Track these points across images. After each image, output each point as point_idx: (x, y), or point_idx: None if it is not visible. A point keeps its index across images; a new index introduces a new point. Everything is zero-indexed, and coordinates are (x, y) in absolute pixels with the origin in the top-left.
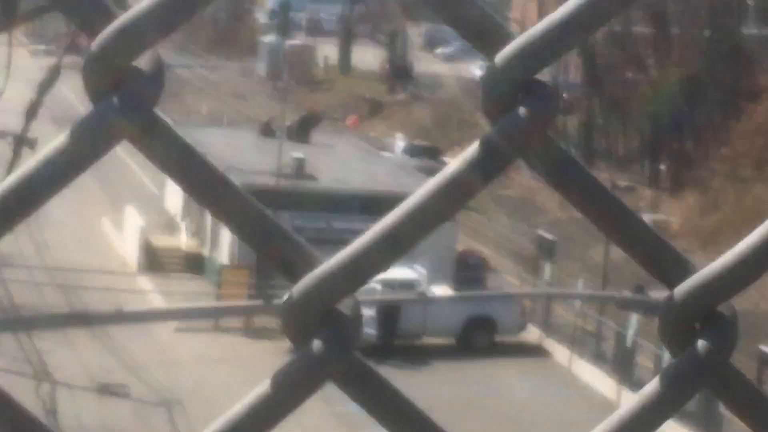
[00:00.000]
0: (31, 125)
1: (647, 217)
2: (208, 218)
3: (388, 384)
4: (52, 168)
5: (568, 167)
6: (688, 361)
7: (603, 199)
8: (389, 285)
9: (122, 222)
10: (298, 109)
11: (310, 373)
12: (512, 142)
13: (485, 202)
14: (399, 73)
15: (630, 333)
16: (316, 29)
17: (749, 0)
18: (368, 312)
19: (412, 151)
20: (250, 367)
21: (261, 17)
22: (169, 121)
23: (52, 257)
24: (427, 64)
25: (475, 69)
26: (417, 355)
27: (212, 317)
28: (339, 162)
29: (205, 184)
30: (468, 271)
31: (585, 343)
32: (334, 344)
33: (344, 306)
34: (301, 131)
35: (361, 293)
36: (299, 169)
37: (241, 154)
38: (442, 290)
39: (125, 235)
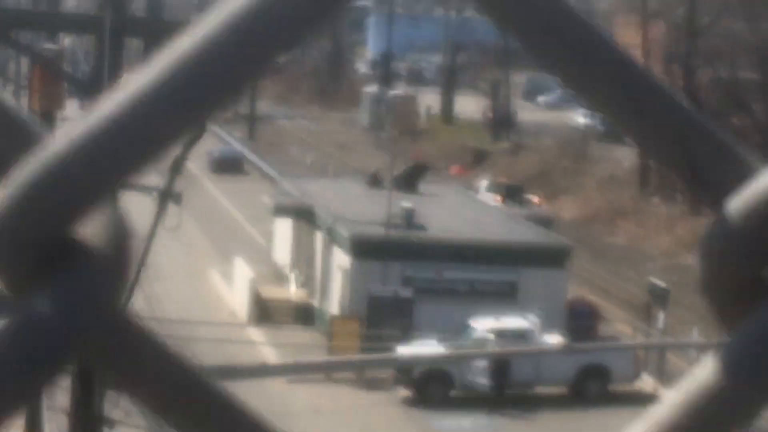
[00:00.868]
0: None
1: None
2: (318, 269)
3: (175, 358)
4: None
5: None
6: (753, 339)
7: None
8: (501, 334)
9: (231, 274)
10: (401, 159)
11: (32, 349)
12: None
13: (593, 250)
14: (502, 121)
15: None
16: (417, 79)
17: None
18: (481, 362)
19: (495, 189)
20: (363, 418)
21: (362, 67)
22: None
23: (163, 309)
24: (530, 112)
25: (578, 117)
26: (529, 404)
27: (324, 371)
28: (447, 211)
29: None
30: (579, 320)
31: None
32: (74, 297)
33: (97, 221)
34: (409, 181)
35: (473, 345)
36: (408, 218)
37: (350, 204)
38: (554, 339)
39: (234, 287)
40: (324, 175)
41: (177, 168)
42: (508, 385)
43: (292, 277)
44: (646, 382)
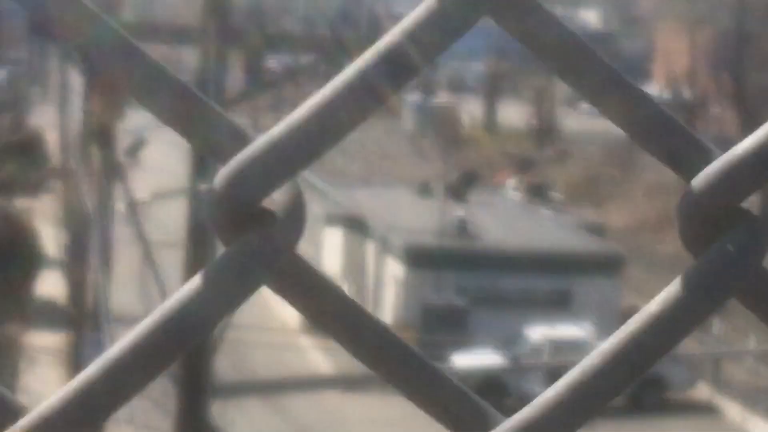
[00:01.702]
0: None
1: None
2: (370, 278)
3: (331, 285)
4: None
5: None
6: (710, 262)
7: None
8: (556, 343)
9: None
10: (446, 167)
11: (240, 275)
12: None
13: (643, 259)
14: (546, 129)
15: None
16: (458, 86)
17: None
18: (536, 371)
19: (521, 188)
20: (418, 429)
21: None
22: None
23: None
24: (572, 119)
25: None
26: None
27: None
28: (499, 220)
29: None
30: None
31: (759, 400)
32: (268, 243)
33: (283, 194)
34: (460, 190)
35: (528, 354)
36: (462, 228)
37: (401, 213)
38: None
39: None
40: (371, 185)
41: None
42: None
43: (344, 286)
44: (701, 391)
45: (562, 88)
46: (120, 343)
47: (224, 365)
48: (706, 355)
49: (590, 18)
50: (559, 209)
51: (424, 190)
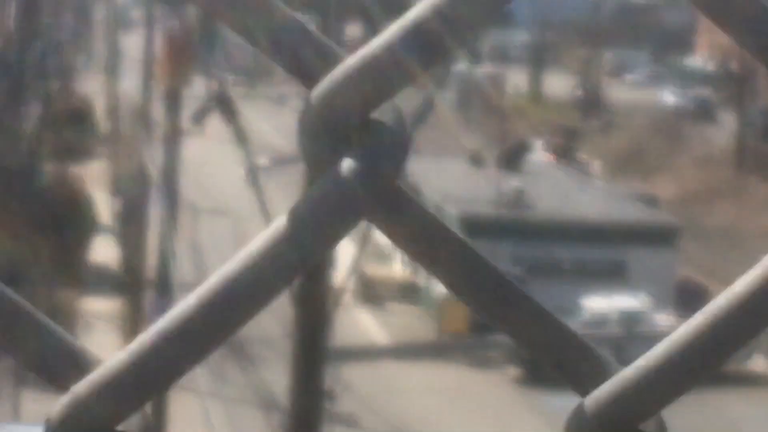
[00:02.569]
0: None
1: None
2: None
3: (441, 224)
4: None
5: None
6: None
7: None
8: (613, 314)
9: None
10: (489, 137)
11: (338, 206)
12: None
13: (693, 230)
14: (591, 100)
15: None
16: (502, 57)
17: None
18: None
19: (550, 147)
20: (474, 397)
21: None
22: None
23: None
24: (617, 90)
25: (666, 95)
26: None
27: (436, 352)
28: (553, 190)
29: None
30: (689, 300)
31: None
32: (370, 166)
33: (382, 113)
34: (512, 160)
35: (585, 325)
36: (518, 197)
37: (454, 183)
38: (665, 319)
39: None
40: (421, 155)
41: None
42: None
43: (397, 255)
44: (758, 363)
45: (607, 59)
46: (197, 294)
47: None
48: None
49: None
50: (586, 170)
51: (476, 160)
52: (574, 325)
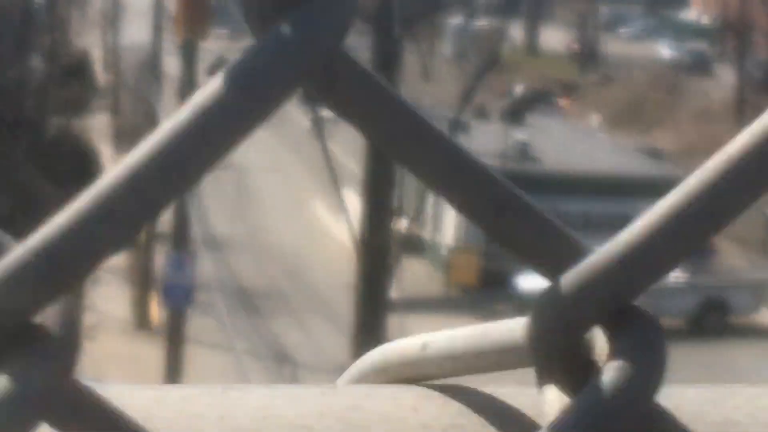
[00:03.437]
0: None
1: None
2: (429, 201)
3: (396, 98)
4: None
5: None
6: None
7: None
8: None
9: (336, 206)
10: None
11: (274, 69)
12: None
13: None
14: (589, 53)
15: None
16: (498, 10)
17: None
18: None
19: (527, 93)
20: None
21: None
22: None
23: (270, 241)
24: (612, 44)
25: (662, 49)
26: None
27: (444, 305)
28: (558, 143)
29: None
30: (698, 255)
31: None
32: (311, 27)
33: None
34: (518, 111)
35: None
36: (523, 151)
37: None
38: (673, 273)
39: (341, 218)
40: (421, 108)
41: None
42: None
43: (401, 208)
44: (765, 316)
45: (603, 12)
46: (124, 164)
47: (285, 284)
48: None
49: None
50: (563, 115)
51: (480, 112)
52: None
